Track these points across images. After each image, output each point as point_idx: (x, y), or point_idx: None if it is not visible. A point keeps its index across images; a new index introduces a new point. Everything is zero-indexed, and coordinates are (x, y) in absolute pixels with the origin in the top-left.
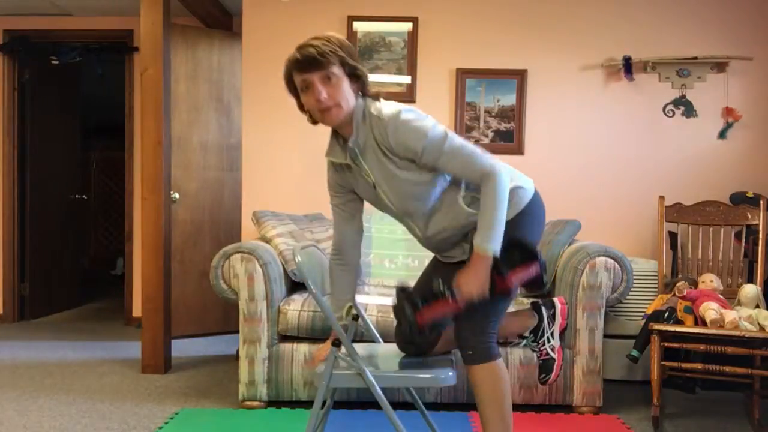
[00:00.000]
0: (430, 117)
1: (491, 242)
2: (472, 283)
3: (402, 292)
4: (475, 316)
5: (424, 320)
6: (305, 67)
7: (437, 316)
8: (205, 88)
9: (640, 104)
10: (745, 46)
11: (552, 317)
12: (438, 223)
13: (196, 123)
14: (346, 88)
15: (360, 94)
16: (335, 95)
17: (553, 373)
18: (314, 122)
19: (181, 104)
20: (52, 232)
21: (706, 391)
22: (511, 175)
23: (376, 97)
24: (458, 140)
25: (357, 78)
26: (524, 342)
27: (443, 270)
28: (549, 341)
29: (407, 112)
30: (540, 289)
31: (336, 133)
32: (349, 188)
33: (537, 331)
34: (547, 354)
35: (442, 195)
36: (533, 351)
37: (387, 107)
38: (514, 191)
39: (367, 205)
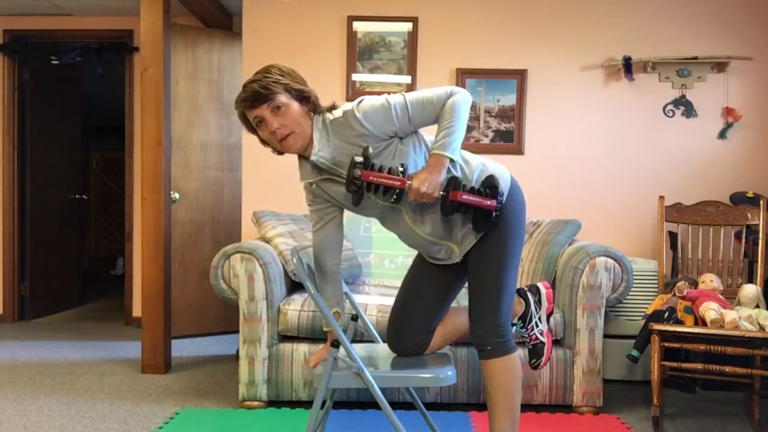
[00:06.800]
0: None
1: (448, 146)
2: (426, 179)
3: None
4: (486, 305)
5: (367, 177)
6: (252, 103)
7: (381, 180)
8: (205, 88)
9: (640, 104)
10: (745, 46)
11: (538, 302)
12: (430, 214)
13: (196, 123)
14: (298, 112)
15: (314, 113)
16: (288, 123)
17: (544, 357)
18: (279, 153)
19: (181, 104)
20: (52, 232)
21: (706, 391)
22: (481, 170)
23: (331, 108)
24: (414, 92)
25: (306, 100)
26: (514, 329)
27: (428, 274)
28: (537, 326)
29: (361, 100)
30: (485, 226)
31: (303, 157)
32: (328, 200)
33: (525, 318)
34: (537, 339)
35: None
36: (523, 337)
37: (344, 107)
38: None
39: None
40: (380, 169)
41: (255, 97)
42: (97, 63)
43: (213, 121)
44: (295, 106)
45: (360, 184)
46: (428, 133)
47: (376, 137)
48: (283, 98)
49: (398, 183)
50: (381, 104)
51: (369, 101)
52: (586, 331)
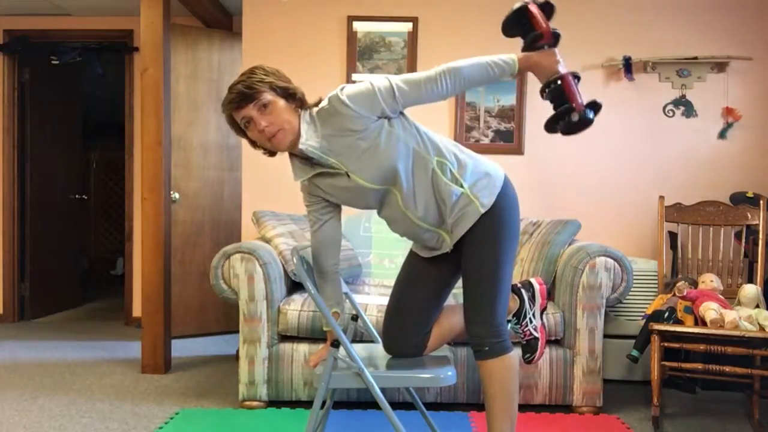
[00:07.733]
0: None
1: (506, 57)
2: (547, 59)
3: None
4: (482, 305)
5: (579, 105)
6: (239, 104)
7: (576, 94)
8: (205, 88)
9: (640, 104)
10: (745, 46)
11: (532, 298)
12: (422, 198)
13: (196, 123)
14: (285, 110)
15: (301, 109)
16: (276, 121)
17: (538, 352)
18: (271, 154)
19: (181, 104)
20: (53, 232)
21: (706, 391)
22: (475, 162)
23: (318, 103)
24: (401, 75)
25: (293, 96)
26: (508, 326)
27: (422, 273)
28: (531, 322)
29: (343, 87)
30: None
31: (293, 155)
32: (324, 197)
33: (519, 314)
34: (531, 334)
35: (415, 165)
36: (516, 333)
37: (328, 95)
38: (485, 179)
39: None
40: (559, 101)
41: (241, 98)
42: (97, 63)
43: (213, 121)
44: (282, 103)
45: (583, 109)
46: (426, 126)
47: (363, 118)
48: (268, 96)
49: (568, 79)
50: (365, 87)
51: (353, 86)
52: (586, 331)
